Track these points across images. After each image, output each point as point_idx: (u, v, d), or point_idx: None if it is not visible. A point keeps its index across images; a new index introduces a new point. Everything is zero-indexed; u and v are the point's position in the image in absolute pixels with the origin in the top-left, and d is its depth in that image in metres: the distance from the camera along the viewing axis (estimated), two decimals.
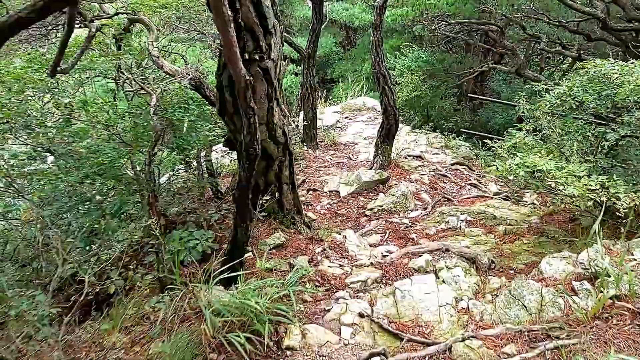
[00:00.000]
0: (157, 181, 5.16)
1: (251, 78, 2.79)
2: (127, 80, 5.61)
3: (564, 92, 4.09)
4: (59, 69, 4.75)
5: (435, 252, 4.40)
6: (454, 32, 12.79)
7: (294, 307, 3.33)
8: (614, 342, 2.52)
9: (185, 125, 4.84)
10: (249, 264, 4.09)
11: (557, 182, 3.48)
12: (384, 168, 7.48)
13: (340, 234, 5.02)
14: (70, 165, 4.67)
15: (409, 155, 8.70)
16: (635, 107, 3.95)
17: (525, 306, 3.06)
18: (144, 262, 4.34)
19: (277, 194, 4.59)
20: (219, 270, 3.49)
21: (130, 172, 4.80)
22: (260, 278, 3.73)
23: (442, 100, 13.59)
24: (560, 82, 4.39)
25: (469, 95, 13.11)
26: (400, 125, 8.09)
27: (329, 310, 3.52)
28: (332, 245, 4.64)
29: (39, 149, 4.61)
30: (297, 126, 9.65)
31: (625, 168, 3.89)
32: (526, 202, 5.92)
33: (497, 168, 4.23)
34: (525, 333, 2.82)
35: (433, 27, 11.97)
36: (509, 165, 3.83)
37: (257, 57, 3.79)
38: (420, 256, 4.32)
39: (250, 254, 4.39)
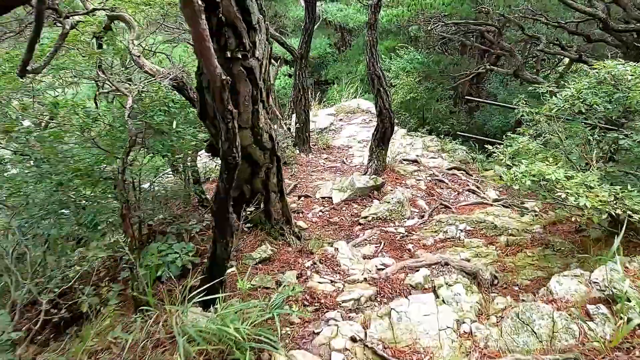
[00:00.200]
0: (137, 189, 4.83)
1: (228, 77, 2.47)
2: (107, 81, 5.26)
3: (572, 94, 3.79)
4: (29, 68, 4.41)
5: (433, 267, 4.10)
6: (450, 33, 12.50)
7: (279, 332, 3.01)
8: None
9: (174, 128, 4.52)
10: (232, 280, 3.76)
11: (568, 193, 3.17)
12: (378, 173, 7.17)
13: (332, 245, 4.70)
14: (44, 172, 4.35)
15: (404, 160, 8.39)
16: None
17: (535, 332, 2.75)
18: (118, 278, 4.01)
19: (262, 204, 4.26)
20: (197, 291, 3.17)
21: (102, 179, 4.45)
22: (243, 298, 3.40)
23: (438, 103, 13.32)
24: (566, 84, 4.09)
25: (466, 97, 12.85)
26: (395, 128, 7.79)
27: (318, 334, 3.20)
28: (323, 258, 4.31)
29: (17, 153, 4.31)
30: (289, 129, 9.33)
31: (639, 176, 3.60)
32: (527, 209, 5.62)
33: (501, 177, 3.93)
34: None
35: (429, 28, 11.68)
36: (514, 173, 3.53)
37: (239, 56, 3.47)
38: (418, 271, 4.02)
39: (234, 268, 4.07)
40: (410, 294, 3.67)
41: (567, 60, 14.31)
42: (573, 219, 4.90)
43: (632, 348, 2.41)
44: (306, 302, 3.62)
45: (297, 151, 8.87)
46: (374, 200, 6.39)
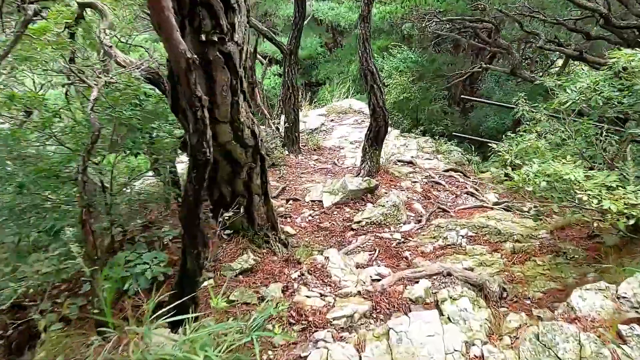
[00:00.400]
0: (107, 192, 4.37)
1: (194, 56, 2.03)
2: (71, 73, 4.79)
3: (588, 86, 3.42)
4: None
5: (434, 277, 3.69)
6: (444, 30, 12.16)
7: (259, 359, 2.57)
8: None
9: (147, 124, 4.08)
10: (208, 295, 3.30)
11: (589, 195, 2.79)
12: (372, 175, 6.76)
13: (322, 253, 4.26)
14: (6, 174, 3.90)
15: (399, 161, 8.00)
16: None
17: (559, 358, 2.34)
18: (78, 293, 3.54)
19: (242, 209, 3.81)
20: (166, 309, 2.72)
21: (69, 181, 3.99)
22: (219, 316, 2.95)
23: (431, 103, 12.98)
24: (580, 76, 3.73)
25: (462, 97, 12.52)
26: (389, 128, 7.39)
27: (305, 358, 2.77)
28: (312, 268, 3.87)
29: None
30: (277, 129, 8.90)
31: None
32: (541, 213, 5.20)
33: (507, 178, 3.55)
34: None
35: (423, 25, 11.32)
36: (526, 173, 3.14)
37: (216, 39, 3.04)
38: (418, 282, 3.61)
39: (211, 281, 3.61)
40: (410, 310, 3.25)
41: (560, 62, 14.11)
42: (582, 223, 4.53)
43: None
44: (292, 320, 3.18)
45: (286, 152, 8.42)
46: (367, 203, 5.98)
